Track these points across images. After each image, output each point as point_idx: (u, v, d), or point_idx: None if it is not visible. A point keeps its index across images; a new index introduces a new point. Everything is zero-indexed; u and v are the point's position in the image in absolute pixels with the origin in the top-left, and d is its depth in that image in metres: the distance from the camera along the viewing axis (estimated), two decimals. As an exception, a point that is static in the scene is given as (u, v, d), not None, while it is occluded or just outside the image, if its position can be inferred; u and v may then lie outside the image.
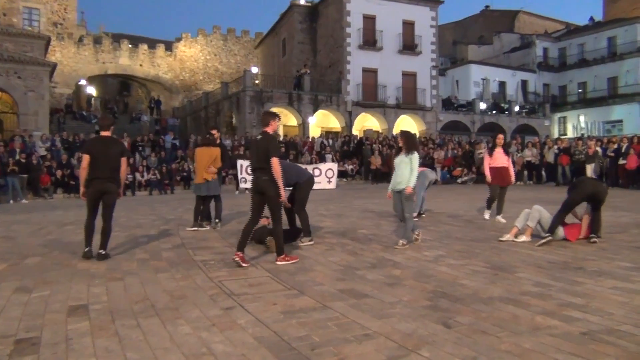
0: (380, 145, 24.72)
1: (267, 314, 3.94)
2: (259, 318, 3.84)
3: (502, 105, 38.19)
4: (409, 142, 6.92)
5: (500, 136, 9.40)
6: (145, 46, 44.94)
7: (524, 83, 41.65)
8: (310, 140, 26.71)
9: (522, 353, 3.10)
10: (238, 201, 13.88)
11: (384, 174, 20.89)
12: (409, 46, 33.71)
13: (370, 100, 32.43)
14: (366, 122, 33.96)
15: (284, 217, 6.58)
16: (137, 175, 19.94)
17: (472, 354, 3.10)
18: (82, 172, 6.32)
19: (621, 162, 17.17)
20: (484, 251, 6.41)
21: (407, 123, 34.06)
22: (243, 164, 18.09)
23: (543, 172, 20.39)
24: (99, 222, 6.27)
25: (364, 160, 24.24)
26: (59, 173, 18.56)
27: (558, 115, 42.61)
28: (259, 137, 6.11)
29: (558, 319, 3.70)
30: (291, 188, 7.08)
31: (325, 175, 19.08)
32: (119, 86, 49.51)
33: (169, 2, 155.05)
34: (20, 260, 6.18)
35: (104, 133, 6.46)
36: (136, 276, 5.31)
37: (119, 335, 3.53)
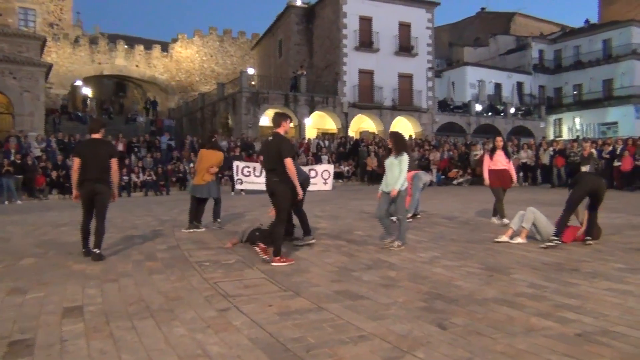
0: (376, 147, 24.74)
1: (263, 316, 3.93)
2: (254, 319, 3.84)
3: (498, 107, 38.30)
4: (398, 143, 6.87)
5: (499, 138, 9.36)
6: (141, 47, 44.90)
7: (520, 85, 41.79)
8: (306, 141, 26.73)
9: (517, 354, 3.11)
10: (234, 202, 13.88)
11: (380, 176, 20.78)
12: (405, 48, 33.77)
13: (367, 101, 32.47)
14: (362, 124, 34.00)
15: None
16: (133, 176, 19.91)
17: (466, 355, 3.11)
18: (74, 175, 6.41)
19: (616, 164, 17.25)
20: (479, 252, 6.42)
21: (403, 124, 34.15)
22: (239, 166, 18.08)
23: (538, 174, 20.44)
24: (93, 226, 6.33)
25: (360, 162, 24.26)
26: (54, 174, 18.52)
27: (553, 117, 42.78)
28: (270, 138, 6.17)
29: (552, 320, 3.71)
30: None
31: (321, 176, 19.08)
32: (115, 87, 49.43)
33: (165, 3, 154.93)
34: (15, 262, 6.16)
35: (94, 135, 6.53)
36: (131, 277, 5.30)
37: (114, 336, 3.52)
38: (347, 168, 24.37)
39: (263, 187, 18.51)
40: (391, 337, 3.44)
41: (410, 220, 9.64)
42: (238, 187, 17.89)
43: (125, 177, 19.49)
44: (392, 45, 33.41)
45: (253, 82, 35.79)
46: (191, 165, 21.43)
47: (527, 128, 38.08)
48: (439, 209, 11.61)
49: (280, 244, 5.96)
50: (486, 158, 9.16)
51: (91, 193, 6.22)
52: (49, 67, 27.25)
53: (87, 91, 43.76)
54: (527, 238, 6.98)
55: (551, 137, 37.78)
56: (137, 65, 44.50)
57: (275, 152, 5.93)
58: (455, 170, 22.44)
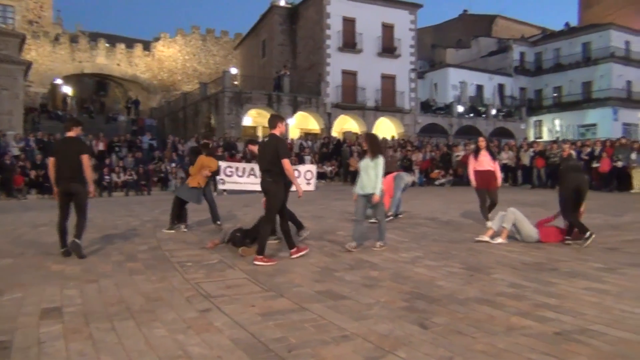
0: (359, 147, 24.78)
1: (245, 316, 3.92)
2: (236, 320, 3.82)
3: (480, 108, 38.62)
4: (373, 145, 6.79)
5: (482, 139, 9.20)
6: (122, 45, 44.45)
7: (501, 87, 42.20)
8: (289, 141, 26.69)
9: (497, 353, 3.14)
10: (216, 202, 13.78)
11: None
12: (389, 49, 33.90)
13: (350, 102, 32.52)
14: (345, 124, 34.04)
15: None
16: (114, 176, 19.69)
17: (447, 354, 3.13)
18: (50, 174, 6.52)
19: (594, 165, 17.53)
20: (461, 252, 6.47)
21: (385, 125, 34.29)
22: (221, 166, 17.96)
23: (519, 175, 20.68)
24: (71, 223, 6.33)
25: (343, 162, 24.29)
26: (32, 173, 18.23)
27: (534, 118, 43.28)
28: (266, 139, 6.24)
29: (532, 320, 3.75)
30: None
31: (304, 177, 18.98)
32: (96, 86, 48.81)
33: (147, 2, 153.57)
34: (-8, 262, 6.06)
35: (68, 134, 6.60)
36: (111, 278, 5.24)
37: (93, 338, 3.48)
38: (330, 168, 24.39)
39: (246, 187, 18.51)
40: (373, 337, 3.45)
41: (392, 218, 9.70)
42: (220, 187, 17.76)
43: (106, 177, 19.29)
44: (376, 47, 33.51)
45: (236, 82, 35.64)
46: (173, 165, 21.29)
47: (508, 129, 38.47)
48: (421, 209, 11.68)
49: (264, 243, 5.98)
50: (471, 159, 8.99)
51: (67, 192, 6.28)
52: (28, 65, 26.83)
53: (68, 90, 43.19)
54: (508, 238, 7.06)
55: (531, 138, 38.23)
56: (118, 64, 44.04)
57: (271, 153, 6.01)
58: (437, 171, 22.60)
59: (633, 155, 16.54)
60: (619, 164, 16.86)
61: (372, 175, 6.58)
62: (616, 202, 13.37)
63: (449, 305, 4.17)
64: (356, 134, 32.49)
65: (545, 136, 40.75)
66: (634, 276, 5.04)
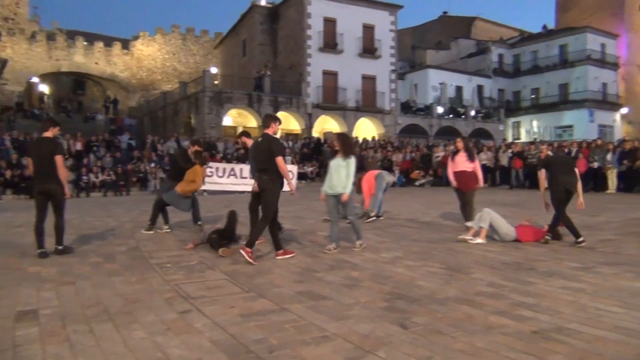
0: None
1: (225, 317, 3.90)
2: (216, 321, 3.80)
3: (459, 109, 39.01)
4: (345, 145, 6.73)
5: (459, 140, 9.22)
6: (101, 44, 43.93)
7: (480, 88, 42.69)
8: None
9: (476, 352, 3.17)
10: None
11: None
12: (369, 50, 34.05)
13: (330, 102, 32.58)
14: (326, 125, 34.09)
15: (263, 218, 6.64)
16: (92, 176, 19.42)
17: (427, 353, 3.16)
18: (31, 173, 6.62)
19: (571, 166, 17.77)
20: (440, 253, 6.53)
21: (366, 126, 34.41)
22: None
23: (497, 175, 20.90)
24: (48, 224, 6.32)
25: (324, 163, 24.30)
26: (8, 173, 17.87)
27: (512, 119, 43.88)
28: (260, 139, 6.32)
29: (510, 318, 3.80)
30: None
31: (285, 177, 19.00)
32: (73, 84, 48.05)
33: (126, 0, 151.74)
34: (-34, 264, 5.93)
35: (45, 134, 6.60)
36: (89, 280, 5.17)
37: (71, 340, 3.43)
38: (310, 169, 24.39)
39: (226, 188, 18.39)
40: (353, 337, 3.46)
41: (371, 219, 9.75)
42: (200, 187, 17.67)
43: (84, 177, 19.02)
44: (356, 47, 33.62)
45: (216, 82, 35.44)
46: (152, 165, 21.08)
47: (487, 130, 38.91)
48: (401, 210, 11.74)
49: (257, 237, 6.09)
50: (449, 161, 9.03)
51: (43, 193, 6.30)
52: (4, 62, 26.37)
53: (44, 88, 42.51)
54: (487, 238, 7.15)
55: (510, 139, 38.72)
56: (96, 63, 43.51)
57: (265, 152, 6.10)
58: (417, 171, 22.74)
59: (608, 156, 16.83)
60: (595, 164, 17.13)
61: (343, 175, 6.52)
62: (592, 202, 13.56)
63: (428, 305, 4.21)
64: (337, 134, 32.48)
65: (523, 137, 41.35)
66: (609, 275, 5.14)
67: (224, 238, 6.75)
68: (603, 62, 41.65)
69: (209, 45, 48.44)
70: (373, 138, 30.91)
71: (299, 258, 6.25)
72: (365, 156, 22.33)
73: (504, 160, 20.23)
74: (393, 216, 10.48)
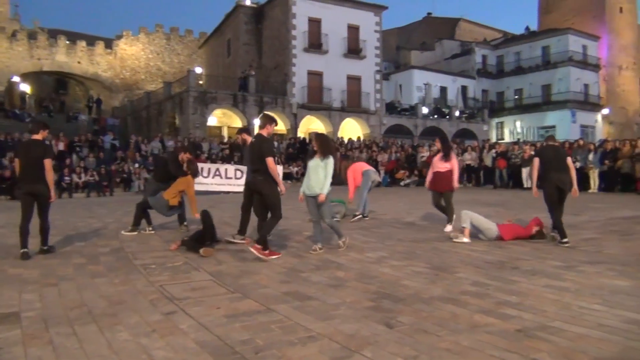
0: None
1: (210, 318, 3.88)
2: (202, 322, 3.78)
3: (443, 110, 39.25)
4: (324, 146, 6.70)
5: (437, 141, 9.19)
6: (83, 43, 43.43)
7: (464, 89, 42.99)
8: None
9: (461, 351, 3.19)
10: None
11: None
12: (354, 50, 34.11)
13: (316, 102, 32.58)
14: (311, 125, 34.09)
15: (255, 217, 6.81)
16: (75, 176, 19.20)
17: (413, 353, 3.17)
18: (18, 175, 6.63)
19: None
20: (425, 252, 6.56)
21: (351, 126, 34.48)
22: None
23: (481, 175, 21.07)
24: (33, 226, 6.28)
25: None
26: (-12, 174, 17.62)
27: (496, 120, 44.27)
28: (254, 139, 6.44)
29: (494, 317, 3.83)
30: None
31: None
32: (55, 84, 47.44)
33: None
34: (-55, 267, 5.83)
35: (34, 136, 6.61)
36: (72, 281, 5.12)
37: (54, 343, 3.38)
38: (296, 169, 24.36)
39: (211, 188, 18.30)
40: (339, 337, 3.46)
41: (360, 217, 9.77)
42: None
43: (66, 178, 18.79)
44: (341, 48, 33.67)
45: (201, 82, 35.25)
46: (136, 165, 20.91)
47: (471, 131, 39.20)
48: (386, 209, 11.78)
49: (265, 234, 6.21)
50: (431, 162, 9.02)
51: (30, 194, 6.30)
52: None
53: (26, 88, 41.90)
54: (471, 238, 7.20)
55: (494, 139, 39.01)
56: (79, 62, 43.02)
57: (258, 153, 6.21)
58: (402, 171, 22.83)
59: (590, 157, 17.05)
60: (577, 164, 17.34)
61: (321, 176, 6.49)
62: (574, 201, 13.68)
63: (414, 304, 4.23)
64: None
65: (507, 137, 41.72)
66: (592, 273, 5.20)
67: (205, 239, 6.71)
68: (585, 63, 42.20)
69: (194, 45, 48.16)
70: (358, 138, 30.97)
71: (284, 258, 6.24)
72: (350, 156, 22.41)
73: (487, 161, 20.40)
74: (378, 216, 10.51)
